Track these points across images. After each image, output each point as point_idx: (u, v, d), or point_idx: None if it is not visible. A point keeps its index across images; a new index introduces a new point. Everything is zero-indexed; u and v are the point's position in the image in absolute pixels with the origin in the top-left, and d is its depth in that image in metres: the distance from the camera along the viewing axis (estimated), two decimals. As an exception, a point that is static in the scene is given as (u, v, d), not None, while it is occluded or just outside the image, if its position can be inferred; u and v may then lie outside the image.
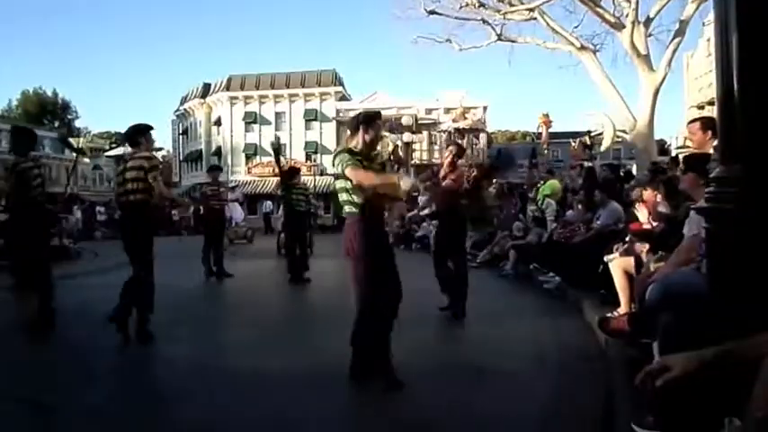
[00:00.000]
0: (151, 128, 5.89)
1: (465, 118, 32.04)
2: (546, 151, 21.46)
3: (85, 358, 4.90)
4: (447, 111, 34.67)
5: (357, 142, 4.11)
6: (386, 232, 4.21)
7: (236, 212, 18.99)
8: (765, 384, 1.52)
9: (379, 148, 4.64)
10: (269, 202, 35.52)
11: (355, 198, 3.91)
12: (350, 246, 3.94)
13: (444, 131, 28.15)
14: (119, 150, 25.78)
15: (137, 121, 5.87)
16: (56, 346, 5.42)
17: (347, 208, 4.00)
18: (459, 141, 35.63)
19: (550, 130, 24.57)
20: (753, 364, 1.67)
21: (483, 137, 40.12)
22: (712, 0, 2.52)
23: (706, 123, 4.97)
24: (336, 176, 4.05)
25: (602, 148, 19.11)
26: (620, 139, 17.67)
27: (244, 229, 19.49)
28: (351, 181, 3.89)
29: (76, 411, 3.61)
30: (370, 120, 4.14)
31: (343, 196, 4.00)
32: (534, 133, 33.57)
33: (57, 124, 55.26)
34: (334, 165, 4.04)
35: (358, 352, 3.97)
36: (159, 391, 4.21)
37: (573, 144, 15.65)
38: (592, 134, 17.39)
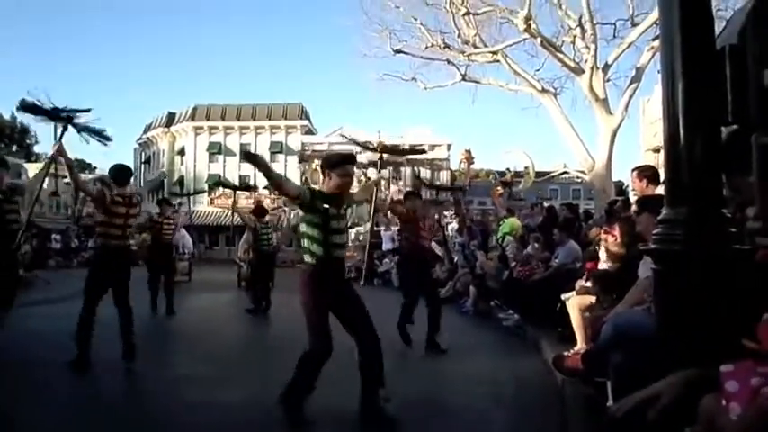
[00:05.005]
0: None
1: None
2: (467, 188, 21.55)
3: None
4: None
5: (324, 185, 4.02)
6: (345, 282, 4.12)
7: (186, 240, 16.45)
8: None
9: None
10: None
11: (313, 249, 3.85)
12: (301, 295, 3.90)
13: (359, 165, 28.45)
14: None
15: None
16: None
17: (305, 257, 3.93)
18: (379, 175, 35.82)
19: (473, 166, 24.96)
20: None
21: (445, 173, 40.56)
22: (660, 49, 2.62)
23: (643, 172, 5.18)
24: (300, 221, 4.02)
25: (522, 186, 19.17)
26: (579, 180, 18.03)
27: (185, 263, 16.38)
28: (310, 230, 3.84)
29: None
30: (332, 165, 3.95)
31: (304, 242, 3.92)
32: (497, 172, 34.01)
33: (14, 149, 53.84)
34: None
35: (293, 381, 3.86)
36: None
37: (492, 181, 15.93)
38: (514, 172, 17.65)
